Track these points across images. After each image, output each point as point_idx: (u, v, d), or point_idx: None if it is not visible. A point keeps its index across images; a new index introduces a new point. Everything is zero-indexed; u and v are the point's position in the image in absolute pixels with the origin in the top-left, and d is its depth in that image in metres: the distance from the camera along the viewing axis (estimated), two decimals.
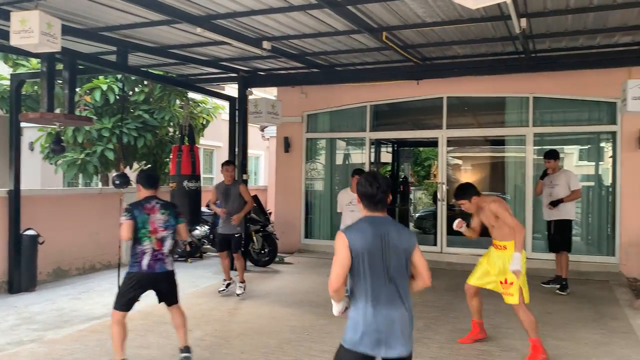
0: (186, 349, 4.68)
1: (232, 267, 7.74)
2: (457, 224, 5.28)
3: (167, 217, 4.60)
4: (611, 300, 7.23)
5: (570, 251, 7.81)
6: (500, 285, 5.03)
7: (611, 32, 6.91)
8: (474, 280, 5.36)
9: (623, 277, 8.65)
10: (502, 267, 5.01)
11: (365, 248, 2.80)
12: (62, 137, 10.26)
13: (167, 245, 4.59)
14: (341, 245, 2.81)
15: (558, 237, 7.74)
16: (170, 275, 4.65)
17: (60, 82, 7.87)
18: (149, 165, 11.59)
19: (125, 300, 4.52)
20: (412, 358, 2.89)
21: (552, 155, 7.80)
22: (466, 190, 5.20)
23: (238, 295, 7.29)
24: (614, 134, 9.20)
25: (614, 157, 9.25)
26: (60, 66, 6.70)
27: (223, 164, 7.63)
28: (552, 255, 8.16)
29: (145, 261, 4.48)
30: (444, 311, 6.55)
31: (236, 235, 7.49)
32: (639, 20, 6.37)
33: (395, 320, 2.80)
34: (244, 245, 9.24)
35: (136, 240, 4.49)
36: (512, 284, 4.90)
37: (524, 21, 5.83)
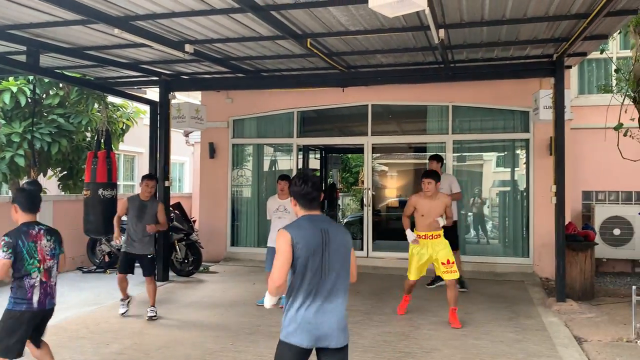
0: None
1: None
2: (413, 241, 6.38)
3: (52, 244, 4.02)
4: (525, 299, 7.60)
5: (459, 249, 8.15)
6: (443, 266, 6.16)
7: (523, 45, 7.30)
8: (414, 276, 6.41)
9: (536, 277, 9.13)
10: (443, 251, 6.22)
11: (308, 244, 2.91)
12: None
13: (53, 275, 4.04)
14: (284, 243, 2.91)
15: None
16: (53, 311, 4.11)
17: None
18: (65, 172, 11.00)
19: (12, 345, 3.83)
20: (347, 349, 3.01)
21: (436, 158, 8.28)
22: (437, 175, 6.46)
23: (151, 318, 6.41)
24: (527, 141, 9.73)
25: (527, 163, 9.77)
26: None
27: (144, 178, 6.71)
28: (470, 257, 8.42)
29: (35, 297, 3.89)
30: (369, 315, 6.62)
31: (149, 256, 6.61)
32: (547, 34, 6.77)
33: (332, 314, 2.93)
34: (163, 256, 8.95)
35: (24, 273, 3.84)
36: (453, 262, 6.16)
37: (442, 32, 6.04)
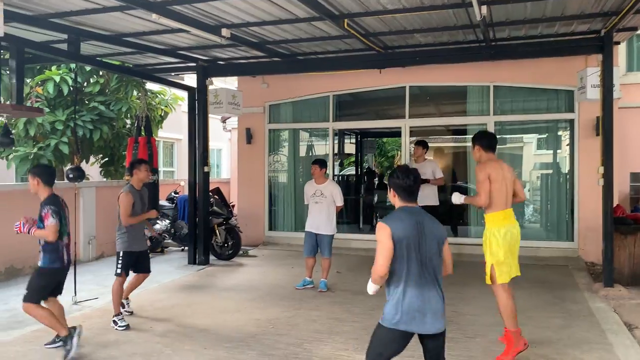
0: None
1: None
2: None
3: (67, 212, 4.87)
4: (571, 284, 7.38)
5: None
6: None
7: (569, 20, 6.99)
8: (507, 275, 4.69)
9: (581, 261, 8.86)
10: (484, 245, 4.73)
11: (406, 235, 3.08)
12: (13, 130, 9.83)
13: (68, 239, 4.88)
14: (384, 235, 3.08)
15: None
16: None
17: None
18: (106, 159, 11.23)
19: (42, 295, 4.77)
20: (445, 334, 3.20)
21: (421, 144, 8.56)
22: (476, 138, 4.88)
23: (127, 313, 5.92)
24: (571, 121, 9.39)
25: (571, 144, 9.44)
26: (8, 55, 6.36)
27: (139, 162, 6.05)
28: None
29: (65, 256, 4.75)
30: None
31: (147, 251, 6.17)
32: (596, 8, 6.46)
33: (431, 300, 3.10)
34: (204, 240, 9.05)
35: (59, 236, 4.66)
36: (484, 262, 4.70)
37: (484, 8, 5.84)
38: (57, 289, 4.92)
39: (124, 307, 5.91)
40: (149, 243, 9.87)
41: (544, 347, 4.89)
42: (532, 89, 9.60)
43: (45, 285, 4.74)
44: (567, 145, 9.65)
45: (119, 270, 5.68)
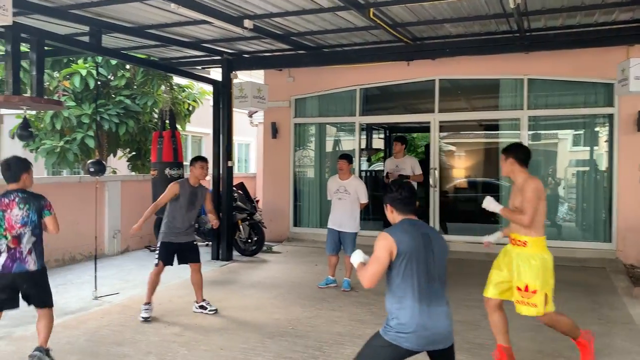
0: (38, 349, 4.32)
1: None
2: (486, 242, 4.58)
3: (26, 212, 4.19)
4: (608, 288, 6.99)
5: None
6: (518, 293, 4.07)
7: (610, 8, 6.58)
8: (491, 292, 4.27)
9: (620, 263, 8.42)
10: (519, 269, 4.08)
11: (411, 248, 2.94)
12: (38, 124, 9.90)
13: (25, 242, 4.18)
14: (383, 246, 2.94)
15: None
16: (34, 275, 4.24)
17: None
18: (133, 153, 11.25)
19: None
20: (453, 346, 3.04)
21: (400, 140, 8.63)
22: (511, 150, 4.31)
23: (211, 311, 5.87)
24: (610, 116, 8.92)
25: (610, 140, 8.97)
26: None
27: (198, 159, 5.89)
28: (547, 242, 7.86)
29: (0, 261, 4.13)
30: None
31: (194, 242, 6.05)
32: None
33: (440, 316, 2.95)
34: (227, 235, 8.93)
35: None
36: (535, 292, 4.00)
37: None
38: (25, 299, 4.31)
39: (205, 309, 5.83)
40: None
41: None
42: (568, 82, 9.16)
43: None
44: (605, 141, 9.18)
45: (155, 260, 5.70)
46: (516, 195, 4.22)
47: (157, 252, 5.72)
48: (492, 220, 10.45)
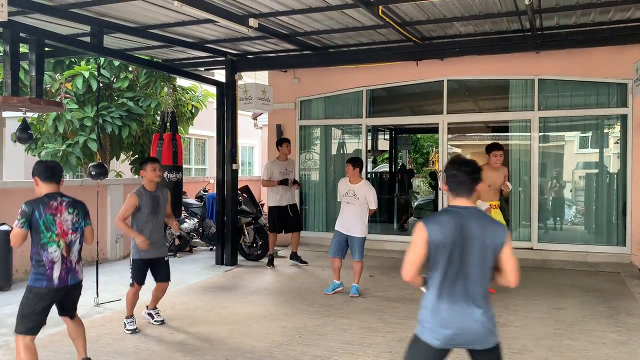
0: None
1: None
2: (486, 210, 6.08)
3: (75, 217, 3.89)
4: (625, 293, 6.77)
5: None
6: None
7: (626, 5, 6.39)
8: None
9: (635, 268, 8.19)
10: None
11: (444, 241, 2.71)
12: (40, 127, 9.74)
13: (74, 250, 3.88)
14: (419, 237, 2.75)
15: (297, 218, 8.89)
16: (81, 285, 4.02)
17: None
18: (136, 156, 11.08)
19: (32, 323, 3.77)
20: (498, 349, 2.79)
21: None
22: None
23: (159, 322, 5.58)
24: (624, 117, 8.70)
25: (624, 142, 8.75)
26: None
27: (148, 161, 5.44)
28: (557, 246, 7.80)
29: (56, 273, 3.76)
30: None
31: (165, 259, 5.54)
32: None
33: (465, 317, 2.70)
34: (232, 240, 8.75)
35: (40, 246, 3.73)
36: None
37: None
38: (62, 310, 4.05)
39: (152, 318, 5.58)
40: (177, 242, 9.74)
41: None
42: (580, 83, 8.95)
43: (32, 312, 3.77)
44: (617, 142, 8.96)
45: (130, 280, 5.36)
46: None
47: (130, 270, 5.36)
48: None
